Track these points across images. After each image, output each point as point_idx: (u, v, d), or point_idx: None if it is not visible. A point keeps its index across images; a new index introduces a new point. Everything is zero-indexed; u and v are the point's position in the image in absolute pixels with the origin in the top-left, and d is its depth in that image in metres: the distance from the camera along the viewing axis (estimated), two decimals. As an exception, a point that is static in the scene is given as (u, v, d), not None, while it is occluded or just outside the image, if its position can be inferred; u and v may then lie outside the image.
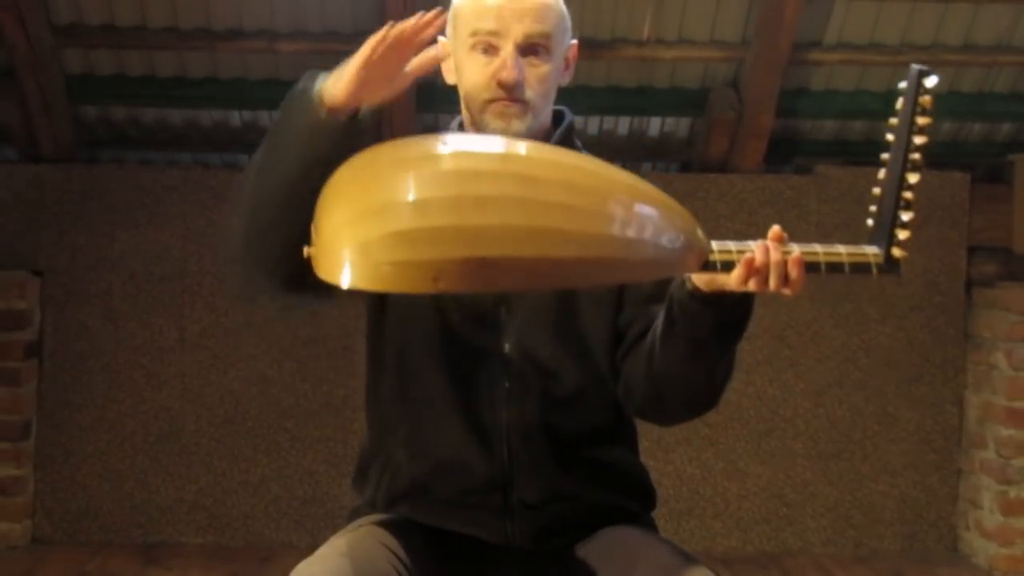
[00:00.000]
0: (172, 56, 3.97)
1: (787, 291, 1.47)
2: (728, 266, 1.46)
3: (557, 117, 1.79)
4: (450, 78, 1.75)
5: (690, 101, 4.09)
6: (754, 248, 1.45)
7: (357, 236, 1.34)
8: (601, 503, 1.76)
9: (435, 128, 3.93)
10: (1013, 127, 4.25)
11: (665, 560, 1.60)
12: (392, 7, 3.65)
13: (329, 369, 4.05)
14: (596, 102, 4.06)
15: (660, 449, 4.04)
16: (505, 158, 1.41)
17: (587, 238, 1.38)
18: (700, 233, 1.46)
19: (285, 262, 1.50)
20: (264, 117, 4.16)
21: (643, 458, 1.86)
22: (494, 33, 1.66)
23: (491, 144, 1.41)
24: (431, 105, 3.84)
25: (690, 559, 1.62)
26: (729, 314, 1.52)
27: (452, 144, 1.41)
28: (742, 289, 1.47)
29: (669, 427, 1.87)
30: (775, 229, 1.47)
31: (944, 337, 4.14)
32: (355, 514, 1.80)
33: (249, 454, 4.05)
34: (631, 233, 1.40)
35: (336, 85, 1.51)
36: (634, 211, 1.41)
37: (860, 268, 1.50)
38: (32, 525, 4.01)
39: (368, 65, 1.50)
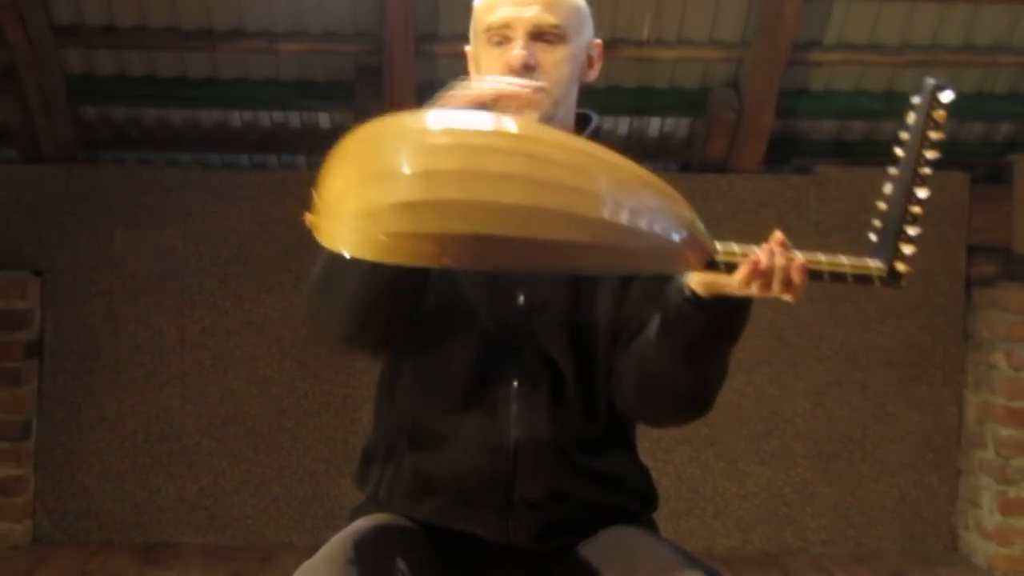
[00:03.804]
0: (172, 56, 3.97)
1: (788, 296, 1.48)
2: (731, 267, 1.46)
3: (583, 121, 1.79)
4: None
5: (690, 101, 4.09)
6: (758, 251, 1.46)
7: (364, 203, 1.32)
8: (603, 503, 1.75)
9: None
10: (1013, 127, 4.25)
11: (667, 560, 1.60)
12: (392, 7, 3.65)
13: (329, 369, 4.05)
14: (595, 102, 4.03)
15: (660, 449, 4.04)
16: (517, 137, 1.39)
17: (595, 224, 1.37)
18: (706, 232, 1.46)
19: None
20: (264, 117, 4.16)
21: (643, 458, 1.85)
22: (506, 25, 1.68)
23: (504, 122, 1.40)
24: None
25: (692, 559, 1.61)
26: (725, 321, 1.53)
27: (465, 118, 1.39)
28: (744, 291, 1.47)
29: (659, 428, 1.87)
30: (778, 234, 1.48)
31: (944, 337, 4.14)
32: (356, 513, 1.80)
33: (249, 454, 4.05)
34: (640, 224, 1.40)
35: None
36: (645, 203, 1.41)
37: (863, 280, 1.52)
38: (32, 525, 4.01)
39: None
